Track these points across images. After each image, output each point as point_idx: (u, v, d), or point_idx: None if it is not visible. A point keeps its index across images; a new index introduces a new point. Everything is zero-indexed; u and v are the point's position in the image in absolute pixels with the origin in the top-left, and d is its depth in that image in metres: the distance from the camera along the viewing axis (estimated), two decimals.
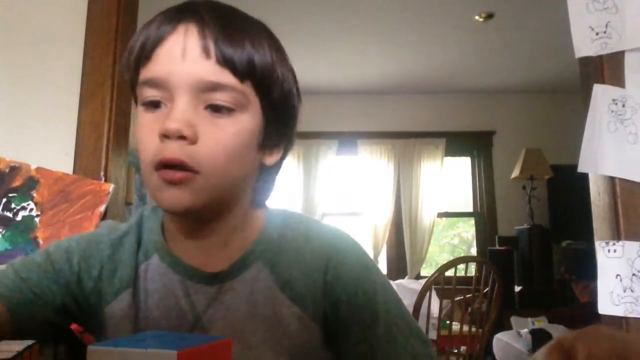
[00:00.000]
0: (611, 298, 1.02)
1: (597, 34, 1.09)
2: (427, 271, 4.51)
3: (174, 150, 0.55)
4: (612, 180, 1.06)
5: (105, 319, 0.65)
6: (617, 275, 1.02)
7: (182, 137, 0.55)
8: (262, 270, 0.64)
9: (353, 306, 0.63)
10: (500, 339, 3.23)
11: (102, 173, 1.34)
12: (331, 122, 4.65)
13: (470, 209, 4.79)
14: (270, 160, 0.66)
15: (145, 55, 0.58)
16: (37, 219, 1.23)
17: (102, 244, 0.68)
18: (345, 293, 0.63)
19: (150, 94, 0.58)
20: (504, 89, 4.68)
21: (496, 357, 3.25)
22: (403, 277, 4.24)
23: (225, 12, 0.61)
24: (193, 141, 0.55)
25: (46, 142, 1.38)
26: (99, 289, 0.66)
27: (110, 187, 1.28)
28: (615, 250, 1.03)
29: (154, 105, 0.58)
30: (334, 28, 3.55)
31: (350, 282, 0.64)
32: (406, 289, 2.88)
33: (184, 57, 0.56)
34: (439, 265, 2.73)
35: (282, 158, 0.69)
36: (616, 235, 1.04)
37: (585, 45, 1.11)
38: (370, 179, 4.58)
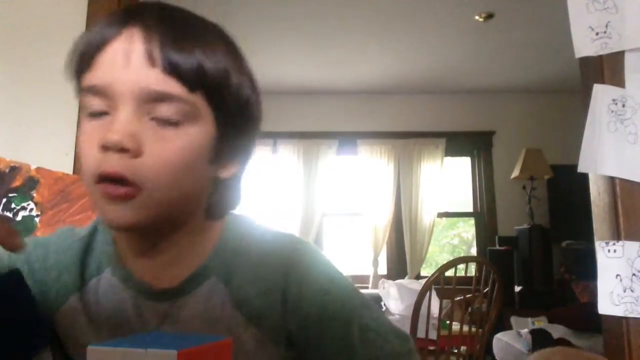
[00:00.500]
0: (611, 298, 1.02)
1: (597, 34, 1.09)
2: (427, 271, 4.51)
3: (115, 163, 0.51)
4: (612, 180, 1.06)
5: (56, 325, 0.64)
6: (617, 275, 1.02)
7: (124, 150, 0.51)
8: (216, 285, 0.61)
9: (324, 320, 0.59)
10: (500, 339, 3.23)
11: None
12: (331, 122, 4.65)
13: (470, 209, 4.79)
14: (225, 173, 0.61)
15: (87, 60, 0.55)
16: (37, 219, 1.23)
17: (49, 249, 0.66)
18: (313, 308, 0.60)
19: (92, 102, 0.54)
20: (504, 89, 4.68)
21: (496, 357, 3.25)
22: (403, 277, 4.24)
23: (175, 16, 0.57)
24: (136, 154, 0.52)
25: (46, 142, 1.38)
26: (45, 293, 0.64)
27: None
28: (615, 250, 1.03)
29: (98, 114, 0.54)
30: (334, 28, 3.55)
31: (316, 296, 0.60)
32: (406, 289, 2.88)
33: (128, 64, 0.52)
34: (439, 265, 2.72)
35: (241, 170, 0.64)
36: (616, 235, 1.04)
37: (585, 45, 1.11)
38: (370, 179, 4.58)
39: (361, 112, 4.72)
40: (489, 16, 3.39)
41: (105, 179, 0.52)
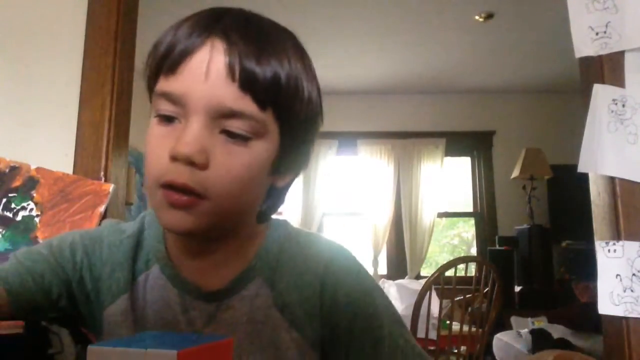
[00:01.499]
0: (611, 298, 1.02)
1: (597, 34, 1.09)
2: (427, 271, 4.51)
3: (183, 174, 0.52)
4: (612, 180, 1.06)
5: (103, 322, 0.64)
6: (617, 275, 1.02)
7: (192, 163, 0.52)
8: (261, 286, 0.63)
9: (353, 332, 0.61)
10: (500, 339, 3.23)
11: (102, 173, 1.34)
12: (331, 122, 4.59)
13: (470, 209, 4.79)
14: (282, 183, 0.63)
15: (168, 66, 0.55)
16: (37, 219, 1.23)
17: (103, 243, 0.66)
18: (344, 319, 0.61)
19: (165, 107, 0.55)
20: (504, 89, 4.68)
21: (496, 357, 3.25)
22: (403, 277, 4.24)
23: (254, 25, 0.58)
24: (203, 167, 0.53)
25: (46, 142, 1.38)
26: (98, 289, 0.65)
27: (110, 187, 1.28)
28: (615, 250, 1.03)
29: (168, 119, 0.55)
30: (334, 28, 3.55)
31: (349, 307, 0.61)
32: (406, 289, 2.88)
33: (207, 78, 0.53)
34: (439, 265, 2.72)
35: (295, 177, 0.66)
36: (616, 235, 1.04)
37: (585, 45, 1.11)
38: (370, 179, 4.58)
39: (361, 112, 4.72)
40: (489, 16, 3.39)
41: (171, 186, 0.53)
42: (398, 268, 4.56)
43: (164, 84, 0.55)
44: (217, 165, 0.53)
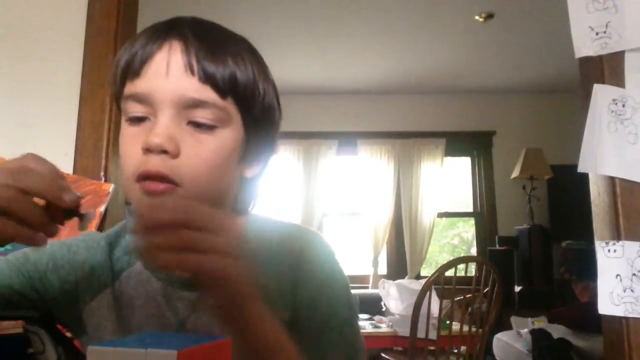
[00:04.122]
0: (611, 298, 1.02)
1: (597, 34, 1.09)
2: (427, 271, 4.51)
3: (156, 163, 0.56)
4: (612, 180, 1.06)
5: (84, 319, 0.67)
6: (617, 275, 1.02)
7: (164, 152, 0.56)
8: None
9: (309, 317, 0.65)
10: (500, 339, 3.23)
11: (102, 173, 1.34)
12: (331, 122, 4.65)
13: (470, 209, 4.79)
14: (250, 172, 0.68)
15: (132, 71, 0.60)
16: None
17: (78, 248, 0.70)
18: (305, 303, 0.65)
19: (134, 109, 0.59)
20: (504, 89, 4.68)
21: (496, 357, 3.25)
22: (403, 277, 4.24)
23: (209, 30, 0.63)
24: (175, 155, 0.57)
25: (46, 142, 1.38)
26: (74, 291, 0.68)
27: (110, 187, 1.28)
28: (615, 250, 1.03)
29: (138, 120, 0.59)
30: (334, 28, 3.55)
31: (313, 292, 0.65)
32: (406, 289, 2.87)
33: (168, 74, 0.58)
34: (439, 265, 2.72)
35: (263, 169, 0.71)
36: (616, 235, 1.04)
37: (585, 45, 1.11)
38: (370, 179, 4.58)
39: (361, 112, 4.72)
40: (489, 16, 3.39)
41: (147, 177, 0.57)
42: (398, 268, 4.56)
43: (130, 88, 0.60)
44: (188, 152, 0.58)
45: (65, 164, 1.34)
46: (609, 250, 1.04)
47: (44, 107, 1.40)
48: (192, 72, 0.58)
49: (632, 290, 1.00)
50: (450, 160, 4.77)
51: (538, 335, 2.92)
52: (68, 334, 0.75)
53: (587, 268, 3.51)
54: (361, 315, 3.28)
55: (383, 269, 4.60)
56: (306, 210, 4.50)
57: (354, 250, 4.76)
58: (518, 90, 4.70)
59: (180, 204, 0.47)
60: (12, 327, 0.63)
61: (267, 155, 0.70)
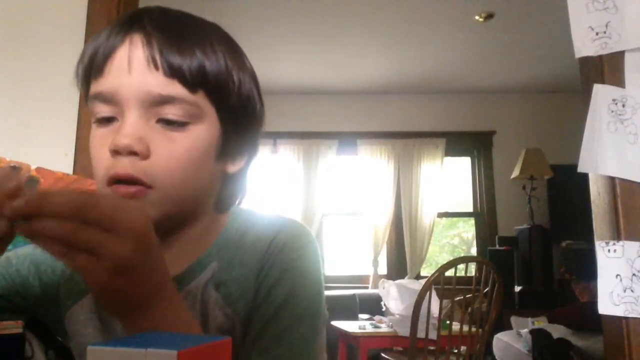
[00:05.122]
0: (611, 298, 1.02)
1: (597, 34, 1.09)
2: (427, 271, 4.51)
3: (126, 166, 0.53)
4: (612, 180, 1.06)
5: (67, 325, 0.65)
6: (617, 275, 1.02)
7: (133, 153, 0.53)
8: (215, 269, 0.63)
9: (267, 302, 0.60)
10: (500, 339, 3.23)
11: None
12: (331, 122, 4.65)
13: (470, 209, 4.79)
14: (233, 167, 0.64)
15: (95, 69, 0.57)
16: None
17: None
18: (265, 298, 0.60)
19: (101, 109, 0.56)
20: (504, 89, 4.68)
21: (496, 357, 3.25)
22: (403, 277, 4.24)
23: (174, 20, 0.58)
24: (145, 156, 0.54)
25: (46, 142, 1.38)
26: (56, 296, 0.66)
27: None
28: (615, 250, 1.03)
29: (107, 120, 0.56)
30: (334, 28, 3.55)
31: (274, 289, 0.60)
32: (406, 289, 2.87)
33: (130, 70, 0.55)
34: (439, 265, 2.72)
35: (248, 163, 0.66)
36: (616, 235, 1.04)
37: (585, 45, 1.11)
38: (370, 179, 4.58)
39: (361, 112, 4.72)
40: (489, 16, 3.39)
41: (117, 181, 0.54)
42: (398, 268, 4.56)
43: (95, 87, 0.57)
44: (159, 152, 0.54)
45: (65, 164, 1.34)
46: (609, 250, 1.04)
47: (44, 107, 1.40)
48: (156, 67, 0.55)
49: (632, 290, 1.00)
50: (450, 160, 4.77)
51: (538, 335, 2.92)
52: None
53: (587, 268, 3.51)
54: (361, 315, 3.29)
55: (383, 269, 4.60)
56: (306, 210, 4.50)
57: (354, 250, 4.76)
58: (518, 90, 4.70)
59: (77, 199, 0.42)
60: (12, 327, 0.63)
61: (251, 149, 0.66)
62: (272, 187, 4.52)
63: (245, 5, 3.19)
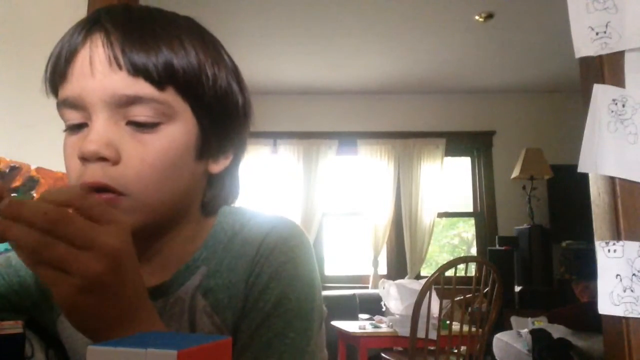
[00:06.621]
0: (611, 298, 1.02)
1: (597, 34, 1.09)
2: (427, 271, 4.51)
3: (95, 173, 0.50)
4: (612, 180, 1.06)
5: (60, 328, 0.65)
6: (617, 275, 1.02)
7: (102, 159, 0.50)
8: (204, 275, 0.60)
9: (258, 306, 0.58)
10: (500, 339, 3.24)
11: None
12: (331, 122, 4.65)
13: (470, 209, 4.79)
14: (216, 167, 0.60)
15: (58, 74, 0.55)
16: None
17: None
18: (256, 291, 0.58)
19: (70, 116, 0.54)
20: (504, 89, 4.68)
21: (496, 357, 3.25)
22: (403, 277, 4.24)
23: (138, 16, 0.55)
24: (115, 162, 0.51)
25: (46, 142, 1.38)
26: (50, 299, 0.65)
27: None
28: (615, 250, 1.03)
29: (77, 127, 0.54)
30: (334, 28, 3.55)
31: (264, 294, 0.58)
32: (406, 289, 2.87)
33: (93, 72, 0.52)
34: (439, 265, 2.72)
35: (235, 162, 0.63)
36: (616, 235, 1.04)
37: (585, 45, 1.11)
38: (370, 179, 4.58)
39: (361, 112, 4.72)
40: (489, 16, 3.39)
41: (89, 189, 0.50)
42: (398, 268, 4.56)
43: (61, 93, 0.55)
44: (130, 157, 0.51)
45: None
46: (609, 251, 1.04)
47: (44, 107, 1.40)
48: (119, 66, 0.51)
49: (632, 290, 1.00)
50: (450, 160, 4.77)
51: (538, 335, 2.92)
52: None
53: (587, 268, 3.51)
54: (361, 315, 3.29)
55: (383, 269, 4.60)
56: (306, 210, 4.50)
57: (354, 250, 4.76)
58: (518, 90, 4.70)
59: (51, 213, 0.40)
60: (12, 327, 0.62)
61: (237, 146, 0.62)
62: (272, 187, 4.52)
63: (245, 5, 3.19)
